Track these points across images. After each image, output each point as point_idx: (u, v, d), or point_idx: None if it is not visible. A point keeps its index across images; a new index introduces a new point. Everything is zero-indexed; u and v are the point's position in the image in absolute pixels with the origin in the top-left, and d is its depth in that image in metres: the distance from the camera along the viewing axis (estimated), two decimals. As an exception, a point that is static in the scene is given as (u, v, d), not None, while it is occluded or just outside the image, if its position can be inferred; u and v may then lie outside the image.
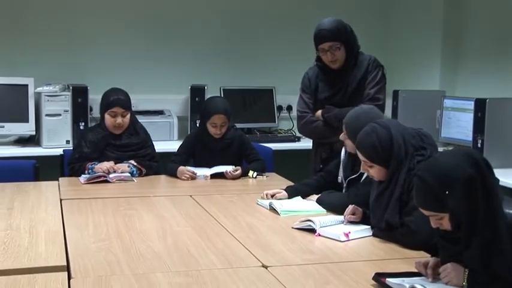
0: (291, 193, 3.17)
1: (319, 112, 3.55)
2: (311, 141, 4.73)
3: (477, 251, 1.92)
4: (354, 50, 3.47)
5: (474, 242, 1.93)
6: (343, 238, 2.49)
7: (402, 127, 2.58)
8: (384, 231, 2.52)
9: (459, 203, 1.92)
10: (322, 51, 3.45)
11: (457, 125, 4.31)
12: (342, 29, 3.43)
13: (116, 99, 3.72)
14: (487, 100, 3.81)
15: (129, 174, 3.66)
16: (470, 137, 3.90)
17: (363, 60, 3.50)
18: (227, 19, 5.14)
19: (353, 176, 2.99)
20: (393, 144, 2.48)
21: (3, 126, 4.35)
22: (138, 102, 4.51)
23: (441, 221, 1.99)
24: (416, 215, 2.31)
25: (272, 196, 3.14)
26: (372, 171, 2.55)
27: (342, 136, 2.98)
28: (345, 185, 3.07)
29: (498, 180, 2.03)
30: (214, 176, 3.71)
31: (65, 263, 2.16)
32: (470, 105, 4.00)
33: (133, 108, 3.90)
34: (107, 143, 3.76)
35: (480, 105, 3.80)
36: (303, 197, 3.16)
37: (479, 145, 3.78)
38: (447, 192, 1.93)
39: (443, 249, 2.09)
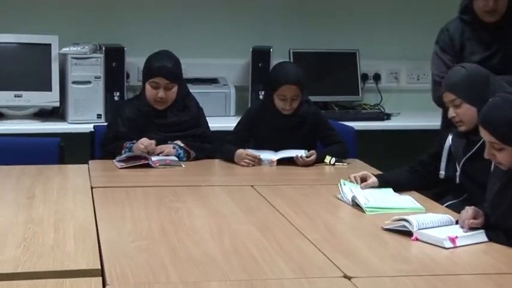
0: (381, 182, 3.18)
1: None
2: (407, 119, 4.70)
3: None
4: None
5: None
6: (449, 244, 2.46)
7: None
8: (506, 236, 2.47)
9: None
10: None
11: None
12: None
13: (160, 67, 3.75)
14: None
15: (176, 158, 3.70)
16: None
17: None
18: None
19: (468, 155, 3.03)
20: None
21: (20, 96, 4.46)
22: (186, 68, 4.53)
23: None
24: None
25: (361, 181, 3.17)
26: (501, 156, 2.51)
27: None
28: (458, 172, 3.08)
29: None
30: (281, 162, 3.72)
31: (99, 267, 2.20)
32: None
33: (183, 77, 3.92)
34: (149, 120, 3.81)
35: None
36: (395, 191, 3.15)
37: None
38: None
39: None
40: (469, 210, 2.60)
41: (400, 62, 5.25)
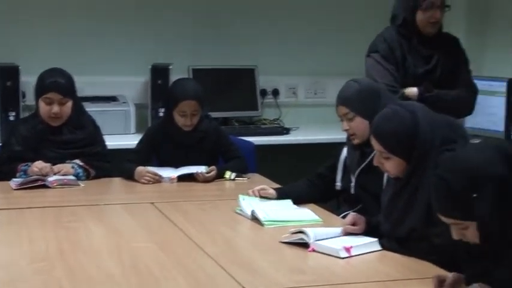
0: (280, 195, 3.24)
1: (414, 90, 3.59)
2: (305, 133, 4.77)
3: (509, 268, 1.95)
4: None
5: (505, 258, 1.95)
6: (344, 254, 2.51)
7: (431, 113, 2.62)
8: (398, 243, 2.55)
9: (489, 209, 1.94)
10: (428, 7, 3.54)
11: (486, 112, 4.34)
12: None
13: (52, 83, 3.71)
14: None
15: (74, 177, 3.65)
16: (501, 127, 3.94)
17: (445, 37, 3.68)
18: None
19: (362, 167, 3.09)
20: (418, 133, 2.52)
21: None
22: (84, 86, 4.49)
23: (465, 231, 2.02)
24: (444, 228, 2.35)
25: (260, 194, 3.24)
26: (388, 165, 2.58)
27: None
28: (353, 183, 3.15)
29: None
30: (182, 179, 3.72)
31: (-7, 290, 2.15)
32: (502, 87, 4.04)
33: (78, 94, 3.88)
34: (44, 138, 3.75)
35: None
36: (294, 203, 3.20)
37: (513, 137, 3.84)
38: (474, 196, 1.95)
39: (468, 266, 2.11)
40: (349, 217, 2.71)
41: (298, 78, 5.32)
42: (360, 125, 3.07)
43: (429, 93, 3.55)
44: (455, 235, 2.06)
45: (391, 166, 2.58)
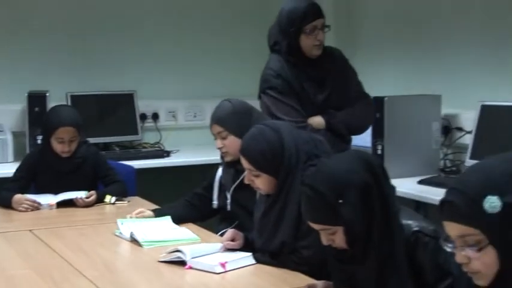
0: (158, 215, 3.31)
1: (320, 120, 3.54)
2: (185, 156, 4.81)
3: (373, 269, 2.08)
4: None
5: (369, 259, 2.08)
6: (220, 269, 2.58)
7: (295, 131, 2.74)
8: (271, 256, 2.64)
9: (354, 213, 2.07)
10: (311, 31, 3.49)
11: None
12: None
13: None
14: (385, 98, 4.03)
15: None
16: (369, 143, 4.12)
17: (327, 52, 3.63)
18: (72, 7, 5.12)
19: (236, 184, 3.18)
20: (284, 150, 2.62)
21: None
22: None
23: (334, 237, 2.13)
24: (311, 240, 2.46)
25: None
26: (258, 182, 2.68)
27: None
28: (229, 200, 3.24)
29: (394, 188, 2.21)
30: (61, 205, 3.70)
31: None
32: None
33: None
34: None
35: (378, 105, 4.00)
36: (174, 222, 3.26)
37: (379, 151, 4.01)
38: (340, 201, 2.07)
39: (336, 271, 2.23)
40: (228, 233, 2.79)
41: (177, 101, 5.38)
42: (233, 143, 3.15)
43: (334, 119, 3.53)
44: (324, 241, 2.16)
45: (261, 183, 2.67)
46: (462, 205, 1.60)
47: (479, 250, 1.60)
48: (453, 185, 1.66)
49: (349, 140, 3.71)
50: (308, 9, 3.52)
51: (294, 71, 3.54)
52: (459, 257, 1.63)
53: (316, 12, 3.53)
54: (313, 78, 3.56)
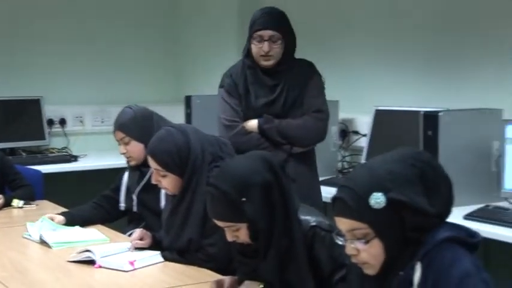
0: (68, 219, 3.33)
1: (254, 123, 3.47)
2: (93, 160, 4.84)
3: (274, 261, 2.21)
4: (290, 49, 3.47)
5: (271, 252, 2.21)
6: (128, 267, 2.66)
7: (201, 133, 2.83)
8: (177, 254, 2.74)
9: (257, 210, 2.20)
10: (258, 39, 3.39)
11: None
12: (286, 21, 3.46)
13: None
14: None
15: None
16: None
17: (297, 64, 3.52)
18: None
19: (141, 185, 3.25)
20: (190, 151, 2.72)
21: None
22: None
23: (238, 233, 2.25)
24: (217, 238, 2.58)
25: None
26: (165, 182, 2.76)
27: None
28: (135, 202, 3.32)
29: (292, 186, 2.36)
30: (-32, 210, 3.69)
31: None
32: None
33: None
34: None
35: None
36: (82, 226, 3.30)
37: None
38: (243, 199, 2.20)
39: (241, 265, 2.35)
40: (136, 233, 2.88)
41: (85, 107, 5.42)
42: (135, 147, 3.26)
43: (269, 124, 3.44)
44: (229, 237, 2.27)
45: (168, 183, 2.76)
46: (350, 201, 1.75)
47: (367, 242, 1.75)
48: (343, 183, 1.81)
49: (301, 155, 3.51)
50: (259, 18, 3.41)
51: (247, 73, 3.49)
52: (349, 249, 1.79)
53: (265, 23, 3.38)
54: (263, 83, 3.48)
